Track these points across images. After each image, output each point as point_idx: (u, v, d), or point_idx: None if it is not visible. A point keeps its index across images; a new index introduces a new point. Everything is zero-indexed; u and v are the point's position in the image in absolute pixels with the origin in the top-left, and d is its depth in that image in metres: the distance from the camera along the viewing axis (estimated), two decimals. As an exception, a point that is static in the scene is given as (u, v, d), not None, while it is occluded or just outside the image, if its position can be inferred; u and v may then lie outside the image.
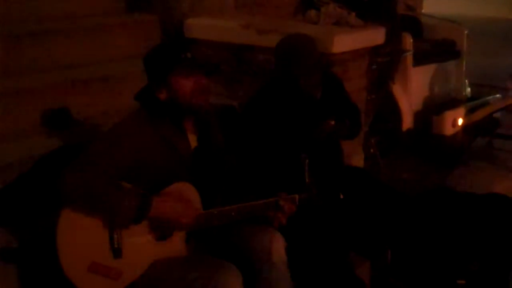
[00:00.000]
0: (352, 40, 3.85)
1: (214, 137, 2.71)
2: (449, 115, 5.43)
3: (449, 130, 5.45)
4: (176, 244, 2.50)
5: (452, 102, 5.82)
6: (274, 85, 3.24)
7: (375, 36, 4.06)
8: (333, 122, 3.11)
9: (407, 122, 5.35)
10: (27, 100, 3.37)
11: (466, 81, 6.14)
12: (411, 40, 5.21)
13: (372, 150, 4.88)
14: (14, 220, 2.76)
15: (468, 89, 6.17)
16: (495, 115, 5.92)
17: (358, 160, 4.16)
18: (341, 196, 2.78)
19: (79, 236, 2.33)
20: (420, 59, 5.46)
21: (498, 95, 6.37)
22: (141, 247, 2.42)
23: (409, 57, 5.21)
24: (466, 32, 5.99)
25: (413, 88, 5.38)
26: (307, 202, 2.70)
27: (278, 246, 2.54)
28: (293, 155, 2.86)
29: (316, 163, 2.80)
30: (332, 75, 3.43)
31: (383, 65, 4.64)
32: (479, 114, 5.79)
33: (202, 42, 4.12)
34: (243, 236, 2.58)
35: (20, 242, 2.70)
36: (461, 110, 5.55)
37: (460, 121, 5.49)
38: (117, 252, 2.37)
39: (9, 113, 3.30)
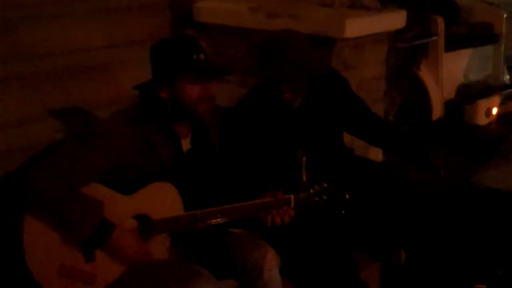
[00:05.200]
0: (367, 24, 3.61)
1: (209, 140, 2.58)
2: (482, 103, 5.17)
3: (482, 120, 5.20)
4: (155, 248, 2.36)
5: (488, 90, 5.52)
6: (256, 95, 3.02)
7: (394, 19, 3.80)
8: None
9: (438, 110, 5.10)
10: (26, 87, 3.28)
11: (505, 67, 5.80)
12: (443, 24, 4.93)
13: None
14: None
15: (507, 76, 5.84)
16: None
17: (375, 153, 3.92)
18: (347, 197, 2.62)
19: (48, 238, 2.20)
20: (454, 44, 5.22)
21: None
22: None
23: (440, 41, 4.94)
24: (505, 15, 5.67)
25: (445, 75, 5.11)
26: (305, 202, 2.55)
27: (271, 265, 2.41)
28: (288, 152, 2.68)
29: (318, 160, 2.62)
30: (338, 79, 3.16)
31: (407, 51, 4.37)
32: (517, 103, 5.49)
33: (211, 26, 3.98)
34: (235, 248, 2.45)
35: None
36: (496, 99, 5.27)
37: (495, 110, 5.21)
38: (89, 256, 2.24)
39: (8, 101, 3.21)
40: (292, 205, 2.50)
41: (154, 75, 2.41)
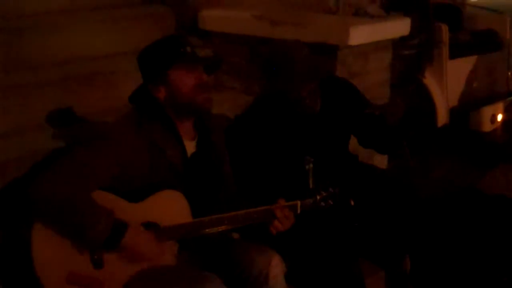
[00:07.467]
0: (371, 31, 3.62)
1: (214, 144, 2.58)
2: (487, 110, 5.16)
3: (487, 127, 5.17)
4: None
5: (492, 96, 5.51)
6: (264, 102, 3.04)
7: (398, 27, 3.81)
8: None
9: (443, 117, 5.09)
10: (28, 96, 3.24)
11: (510, 73, 5.79)
12: (447, 31, 4.93)
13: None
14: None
15: (512, 82, 5.84)
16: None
17: (380, 159, 3.91)
18: (352, 203, 2.59)
19: (56, 245, 2.20)
20: (458, 51, 5.21)
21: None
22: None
23: (444, 48, 4.94)
24: (509, 21, 5.66)
25: (449, 82, 5.10)
26: (312, 209, 2.54)
27: (277, 271, 2.40)
28: (295, 159, 2.69)
29: (323, 167, 2.62)
30: (339, 82, 3.18)
31: (411, 58, 4.37)
32: (522, 110, 5.47)
33: (216, 34, 3.98)
34: (240, 255, 2.44)
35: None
36: (501, 105, 5.26)
37: (500, 117, 5.19)
38: (97, 263, 2.25)
39: (10, 110, 3.17)
40: (299, 211, 2.50)
41: (146, 78, 2.44)
